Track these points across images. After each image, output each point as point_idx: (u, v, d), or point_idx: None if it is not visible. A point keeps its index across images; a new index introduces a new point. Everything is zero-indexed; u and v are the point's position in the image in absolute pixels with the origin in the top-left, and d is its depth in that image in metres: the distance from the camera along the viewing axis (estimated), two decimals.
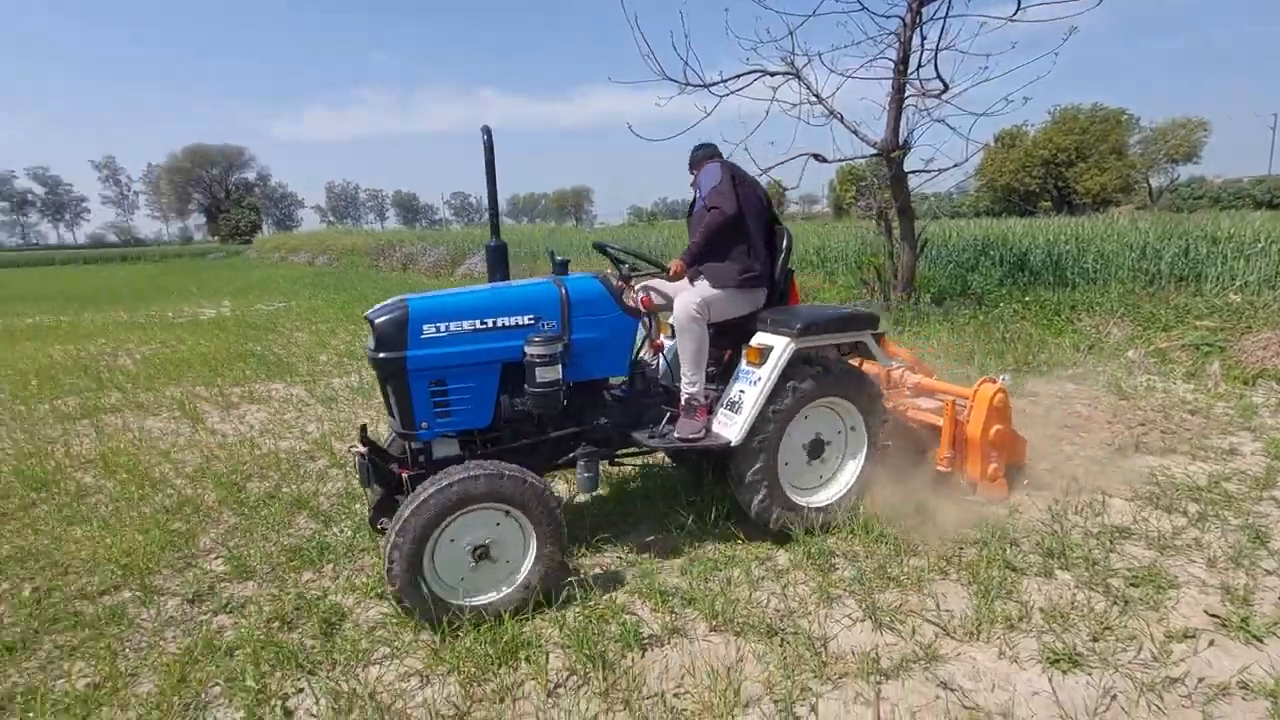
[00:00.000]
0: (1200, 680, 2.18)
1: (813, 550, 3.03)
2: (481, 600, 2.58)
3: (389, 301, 2.84)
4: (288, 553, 3.22)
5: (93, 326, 11.65)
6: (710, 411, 3.16)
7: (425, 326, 2.74)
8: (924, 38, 7.34)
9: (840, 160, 8.19)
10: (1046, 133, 44.14)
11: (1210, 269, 8.04)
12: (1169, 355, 6.18)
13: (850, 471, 3.34)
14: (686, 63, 7.52)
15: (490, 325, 2.83)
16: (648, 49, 7.40)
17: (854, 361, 3.56)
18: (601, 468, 3.72)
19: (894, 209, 8.28)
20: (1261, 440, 4.32)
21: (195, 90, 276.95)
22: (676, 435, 3.08)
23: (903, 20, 7.36)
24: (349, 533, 3.39)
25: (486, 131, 3.11)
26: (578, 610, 2.62)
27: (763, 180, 8.32)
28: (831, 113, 7.85)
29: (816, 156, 8.01)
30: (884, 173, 8.37)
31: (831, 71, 7.87)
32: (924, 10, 7.23)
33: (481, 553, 2.56)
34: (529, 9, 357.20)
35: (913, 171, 8.08)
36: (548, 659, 2.36)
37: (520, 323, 2.87)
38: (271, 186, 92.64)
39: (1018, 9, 7.04)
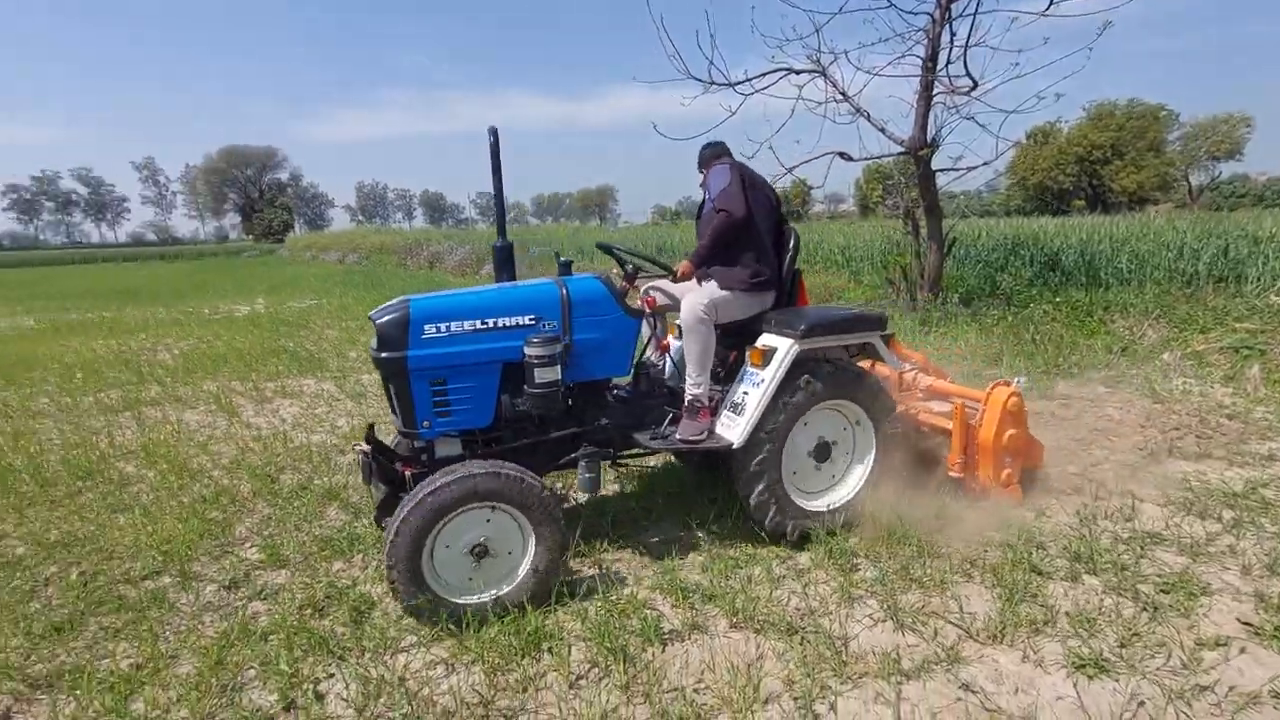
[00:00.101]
0: (1231, 689, 2.15)
1: (834, 550, 3.02)
2: (491, 595, 2.60)
3: (391, 302, 2.88)
4: (319, 543, 3.32)
5: (133, 322, 12.04)
6: (714, 413, 3.15)
7: (426, 326, 2.76)
8: (953, 34, 7.22)
9: (867, 159, 8.10)
10: (1081, 129, 43.11)
11: (1251, 269, 7.75)
12: (1206, 358, 6.00)
13: (858, 475, 3.30)
14: (711, 62, 7.50)
15: (491, 325, 2.85)
16: (673, 49, 7.42)
17: (865, 364, 3.50)
18: (614, 468, 3.75)
19: (921, 208, 8.16)
20: None
21: (232, 92, 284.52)
22: (679, 437, 3.07)
23: (931, 16, 7.25)
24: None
25: (493, 133, 3.14)
26: (599, 604, 2.66)
27: (787, 179, 8.30)
28: (858, 110, 7.74)
29: (843, 155, 7.93)
30: (911, 171, 8.25)
31: (858, 69, 7.75)
32: (953, 6, 7.11)
33: (480, 551, 2.59)
34: (556, 8, 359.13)
35: (941, 170, 7.93)
36: (570, 651, 2.40)
37: (521, 323, 2.88)
38: (303, 186, 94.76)
39: (1050, 4, 6.89)
